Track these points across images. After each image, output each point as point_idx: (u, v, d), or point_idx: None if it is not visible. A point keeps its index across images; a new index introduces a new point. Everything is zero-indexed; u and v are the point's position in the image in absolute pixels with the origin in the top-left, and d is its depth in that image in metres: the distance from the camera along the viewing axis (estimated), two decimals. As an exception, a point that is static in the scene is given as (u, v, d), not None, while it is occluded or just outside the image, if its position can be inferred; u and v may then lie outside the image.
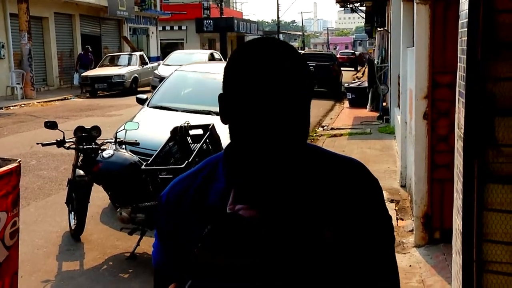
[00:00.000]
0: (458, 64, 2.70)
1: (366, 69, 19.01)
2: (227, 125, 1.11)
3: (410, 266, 4.38)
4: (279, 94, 1.03)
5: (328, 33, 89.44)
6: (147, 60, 22.65)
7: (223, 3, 40.24)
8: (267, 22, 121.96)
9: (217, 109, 1.16)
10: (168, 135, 5.02)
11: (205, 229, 1.12)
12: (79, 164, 5.07)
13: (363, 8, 19.94)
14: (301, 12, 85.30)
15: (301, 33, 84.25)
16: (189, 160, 4.44)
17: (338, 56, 33.12)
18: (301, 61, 1.08)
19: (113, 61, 21.75)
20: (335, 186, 1.14)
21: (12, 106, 16.53)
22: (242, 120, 1.06)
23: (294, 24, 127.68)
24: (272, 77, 1.03)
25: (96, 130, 5.11)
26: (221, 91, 1.12)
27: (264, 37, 1.13)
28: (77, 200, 5.17)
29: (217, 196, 1.15)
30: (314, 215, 1.12)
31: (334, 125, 12.59)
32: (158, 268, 1.27)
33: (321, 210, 1.12)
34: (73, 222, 5.28)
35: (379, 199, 1.18)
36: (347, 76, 26.79)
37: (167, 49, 37.12)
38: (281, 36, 61.91)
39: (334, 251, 1.12)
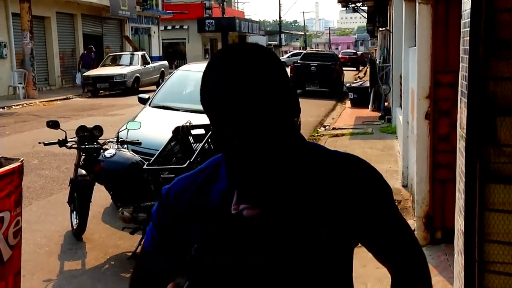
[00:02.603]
0: (460, 63, 2.70)
1: (368, 69, 19.00)
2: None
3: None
4: (248, 101, 1.02)
5: (329, 33, 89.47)
6: (149, 59, 22.65)
7: (225, 3, 40.23)
8: (269, 21, 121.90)
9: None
10: (170, 134, 5.02)
11: (207, 228, 1.13)
12: (81, 164, 5.07)
13: (365, 8, 19.92)
14: (303, 12, 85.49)
15: (303, 33, 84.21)
16: (191, 160, 4.44)
17: (340, 56, 33.08)
18: (269, 61, 1.07)
19: (115, 61, 21.77)
20: (335, 183, 1.15)
21: (14, 105, 16.55)
22: (222, 134, 1.06)
23: (296, 24, 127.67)
24: (238, 86, 1.02)
25: (98, 129, 5.11)
26: None
27: (229, 46, 1.12)
28: (79, 200, 5.18)
29: (219, 196, 1.16)
30: (314, 214, 1.12)
31: (336, 125, 12.59)
32: (145, 256, 1.27)
33: (321, 209, 1.13)
34: (75, 221, 5.29)
35: (382, 190, 1.18)
36: (349, 76, 26.78)
37: (169, 48, 37.17)
38: (282, 36, 61.91)
39: (330, 251, 1.13)
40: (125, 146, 5.36)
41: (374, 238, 1.19)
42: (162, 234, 1.22)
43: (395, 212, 1.22)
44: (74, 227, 5.29)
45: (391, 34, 11.59)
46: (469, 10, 2.40)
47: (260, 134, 1.03)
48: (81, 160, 5.07)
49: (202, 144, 4.77)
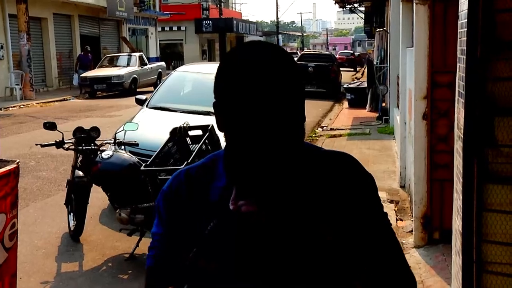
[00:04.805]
0: (458, 64, 2.69)
1: (365, 70, 19.02)
2: (223, 132, 1.12)
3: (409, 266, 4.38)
4: (269, 99, 1.03)
5: (327, 34, 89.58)
6: (146, 60, 22.65)
7: (222, 4, 40.24)
8: (266, 22, 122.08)
9: (216, 109, 1.16)
10: (167, 135, 5.01)
11: (207, 226, 1.13)
12: (78, 165, 5.06)
13: (362, 9, 19.95)
14: (300, 13, 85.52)
15: (300, 34, 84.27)
16: (189, 161, 4.43)
17: (337, 56, 33.13)
18: (290, 63, 1.08)
19: (112, 62, 21.75)
20: (329, 181, 1.16)
21: (11, 107, 16.52)
22: (235, 126, 1.07)
23: (294, 25, 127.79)
24: (261, 82, 1.03)
25: (95, 131, 5.10)
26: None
27: (251, 42, 1.13)
28: (76, 201, 5.16)
29: (218, 194, 1.16)
30: (314, 212, 1.12)
31: (333, 125, 12.59)
32: (154, 266, 1.24)
33: (319, 207, 1.13)
34: (72, 223, 5.27)
35: (371, 191, 1.19)
36: (346, 76, 26.81)
37: (166, 49, 37.14)
38: (280, 37, 61.97)
39: (334, 248, 1.13)
40: (123, 147, 5.34)
41: (356, 241, 1.16)
42: (170, 236, 1.21)
43: (380, 214, 1.20)
44: (71, 229, 5.27)
45: (388, 34, 11.61)
46: (466, 10, 2.40)
47: (275, 133, 1.04)
48: (78, 161, 5.06)
49: (199, 145, 4.76)
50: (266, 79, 1.03)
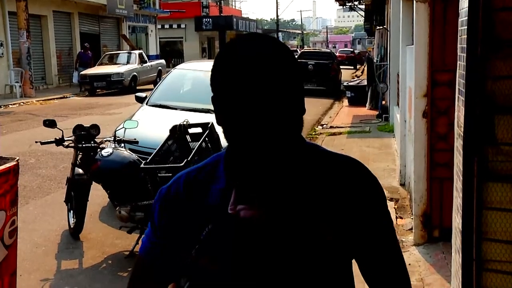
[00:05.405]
0: (458, 62, 2.69)
1: (365, 68, 19.00)
2: (222, 127, 1.10)
3: (409, 264, 4.38)
4: (267, 92, 1.02)
5: (327, 32, 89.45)
6: (146, 58, 22.62)
7: (222, 2, 40.20)
8: (266, 20, 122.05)
9: (216, 107, 1.15)
10: (167, 133, 5.01)
11: (205, 228, 1.12)
12: (78, 163, 5.06)
13: (362, 7, 19.95)
14: (300, 11, 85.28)
15: (300, 32, 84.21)
16: (188, 159, 4.43)
17: (337, 54, 33.06)
18: (288, 56, 1.07)
19: (112, 60, 21.73)
20: (334, 185, 1.14)
21: (11, 104, 16.51)
22: (233, 121, 1.05)
23: (294, 23, 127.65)
24: (258, 75, 1.01)
25: (95, 128, 5.10)
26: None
27: (248, 34, 1.11)
28: (76, 199, 5.17)
29: (218, 196, 1.14)
30: (315, 215, 1.11)
31: (333, 123, 12.59)
32: (144, 257, 1.24)
33: (321, 210, 1.12)
34: (72, 220, 5.28)
35: (378, 197, 1.18)
36: (346, 74, 26.79)
37: (166, 47, 37.11)
38: (280, 35, 61.92)
39: (334, 248, 1.12)
40: (122, 145, 5.34)
41: (361, 245, 1.16)
42: (163, 237, 1.20)
43: (387, 222, 1.19)
44: (71, 226, 5.28)
45: (388, 32, 11.60)
46: (466, 8, 2.39)
47: (273, 128, 1.03)
48: (78, 159, 5.06)
49: (199, 143, 4.76)
50: (265, 71, 1.02)
